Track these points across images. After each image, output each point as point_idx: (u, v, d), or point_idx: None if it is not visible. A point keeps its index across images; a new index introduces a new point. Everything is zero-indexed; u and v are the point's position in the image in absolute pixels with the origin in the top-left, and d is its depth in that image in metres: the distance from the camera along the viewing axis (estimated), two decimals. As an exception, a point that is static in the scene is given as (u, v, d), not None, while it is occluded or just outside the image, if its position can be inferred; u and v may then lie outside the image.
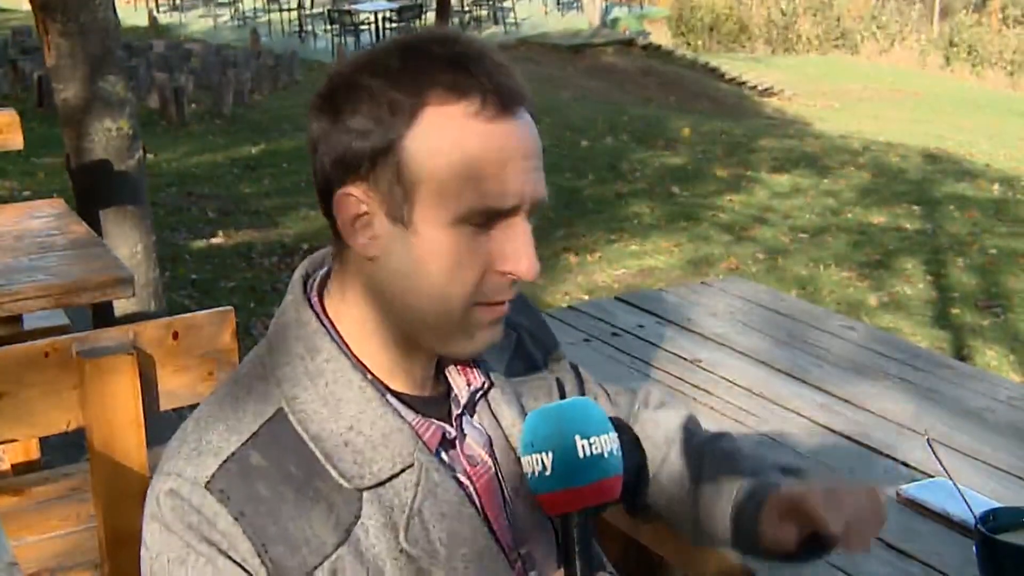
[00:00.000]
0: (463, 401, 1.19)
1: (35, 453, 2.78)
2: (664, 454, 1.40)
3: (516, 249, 1.07)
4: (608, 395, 1.46)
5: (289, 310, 1.16)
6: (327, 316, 1.15)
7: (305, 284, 1.18)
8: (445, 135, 1.05)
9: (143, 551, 1.10)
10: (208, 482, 1.05)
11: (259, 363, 1.14)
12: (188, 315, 1.94)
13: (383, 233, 1.08)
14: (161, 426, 2.01)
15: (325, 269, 1.20)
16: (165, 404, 1.92)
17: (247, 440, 1.07)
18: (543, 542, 1.19)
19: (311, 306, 1.15)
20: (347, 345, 1.13)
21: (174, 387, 1.91)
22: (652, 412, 1.45)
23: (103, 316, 4.14)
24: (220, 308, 1.97)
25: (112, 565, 1.88)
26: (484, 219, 1.06)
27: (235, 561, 1.04)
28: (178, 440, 1.10)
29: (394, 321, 1.11)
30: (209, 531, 1.04)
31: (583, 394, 1.40)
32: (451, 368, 1.21)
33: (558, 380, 1.32)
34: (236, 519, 1.04)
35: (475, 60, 1.07)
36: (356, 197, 1.08)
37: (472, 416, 1.21)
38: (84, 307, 3.96)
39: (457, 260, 1.07)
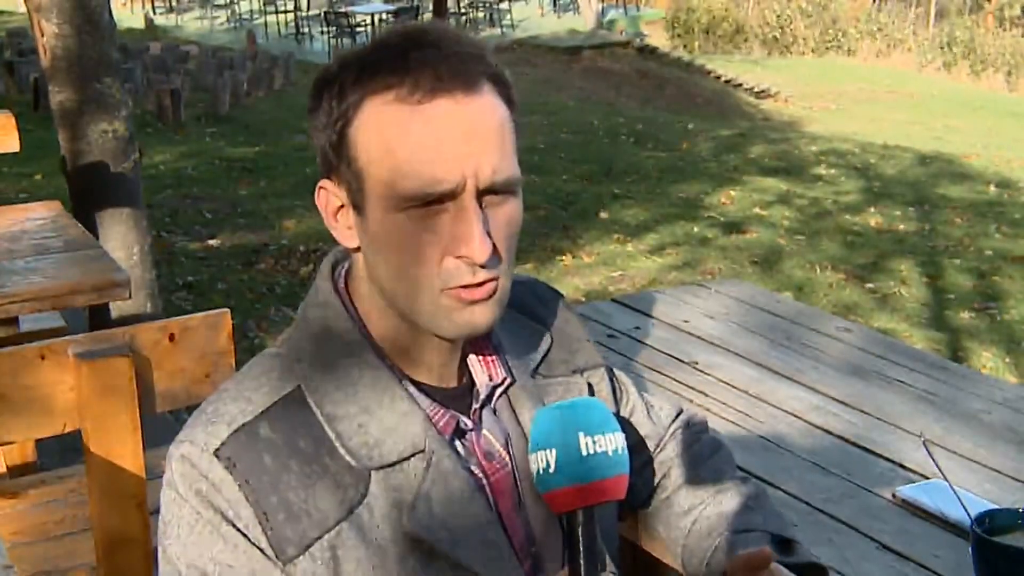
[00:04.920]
0: (483, 395, 1.20)
1: (31, 455, 2.77)
2: (675, 483, 1.41)
3: (463, 232, 1.07)
4: (649, 409, 1.45)
5: (314, 293, 1.20)
6: (352, 303, 1.18)
7: (334, 270, 1.21)
8: (380, 121, 1.08)
9: (160, 517, 1.13)
10: (217, 449, 1.08)
11: (284, 343, 1.18)
12: (184, 317, 1.94)
13: (354, 224, 1.13)
14: (157, 428, 2.01)
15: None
16: (161, 406, 1.91)
17: (260, 413, 1.10)
18: (555, 543, 1.19)
19: (336, 291, 1.18)
20: (367, 331, 1.16)
21: (170, 389, 1.91)
22: (683, 435, 1.44)
23: (99, 318, 4.13)
24: (216, 310, 1.97)
25: (108, 568, 1.87)
26: (425, 202, 1.07)
27: (238, 528, 1.07)
28: (200, 409, 1.14)
29: (390, 306, 1.14)
30: (215, 497, 1.07)
31: (619, 403, 1.41)
32: (474, 362, 1.22)
33: (589, 385, 1.32)
34: (240, 487, 1.06)
35: (416, 45, 1.08)
36: (329, 190, 1.14)
37: (494, 412, 1.22)
38: (80, 309, 3.96)
39: (409, 245, 1.08)
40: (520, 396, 1.23)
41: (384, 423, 1.11)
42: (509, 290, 1.14)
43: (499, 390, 1.22)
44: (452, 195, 1.07)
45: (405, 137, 1.06)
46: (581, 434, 1.04)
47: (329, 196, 1.14)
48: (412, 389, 1.15)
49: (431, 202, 1.07)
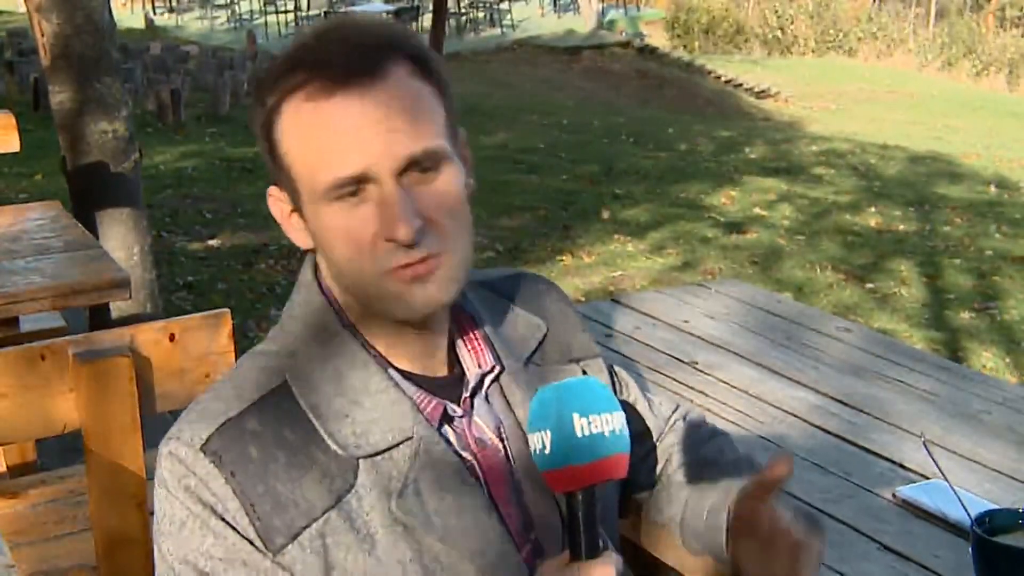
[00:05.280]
0: (472, 383, 1.21)
1: (31, 456, 2.78)
2: (675, 469, 1.41)
3: (386, 214, 1.09)
4: (650, 403, 1.47)
5: (298, 290, 1.22)
6: (335, 298, 1.20)
7: (316, 267, 1.23)
8: (295, 121, 1.11)
9: (154, 515, 1.14)
10: (203, 444, 1.09)
11: (271, 339, 1.20)
12: (184, 317, 1.94)
13: (301, 224, 1.17)
14: (158, 428, 2.00)
15: None
16: (162, 406, 1.91)
17: (247, 408, 1.12)
18: (556, 528, 1.20)
19: (320, 287, 1.20)
20: (352, 324, 1.18)
21: (170, 389, 1.91)
22: (683, 425, 1.46)
23: (100, 318, 4.13)
24: (216, 310, 1.97)
25: (109, 568, 1.87)
26: (347, 192, 1.09)
27: (227, 521, 1.08)
28: (188, 408, 1.15)
29: (355, 298, 1.17)
30: (203, 492, 1.08)
31: (618, 396, 1.42)
32: (463, 350, 1.23)
33: (585, 374, 1.32)
34: (227, 480, 1.08)
35: (322, 40, 1.12)
36: (275, 196, 1.18)
37: (487, 399, 1.22)
38: (81, 309, 3.96)
39: (344, 236, 1.11)
40: (512, 384, 1.23)
41: (371, 412, 1.12)
42: (464, 264, 1.15)
43: (490, 378, 1.23)
44: (369, 180, 1.09)
45: (315, 133, 1.09)
46: (576, 415, 1.03)
47: (277, 201, 1.18)
48: (398, 378, 1.16)
49: (352, 191, 1.09)
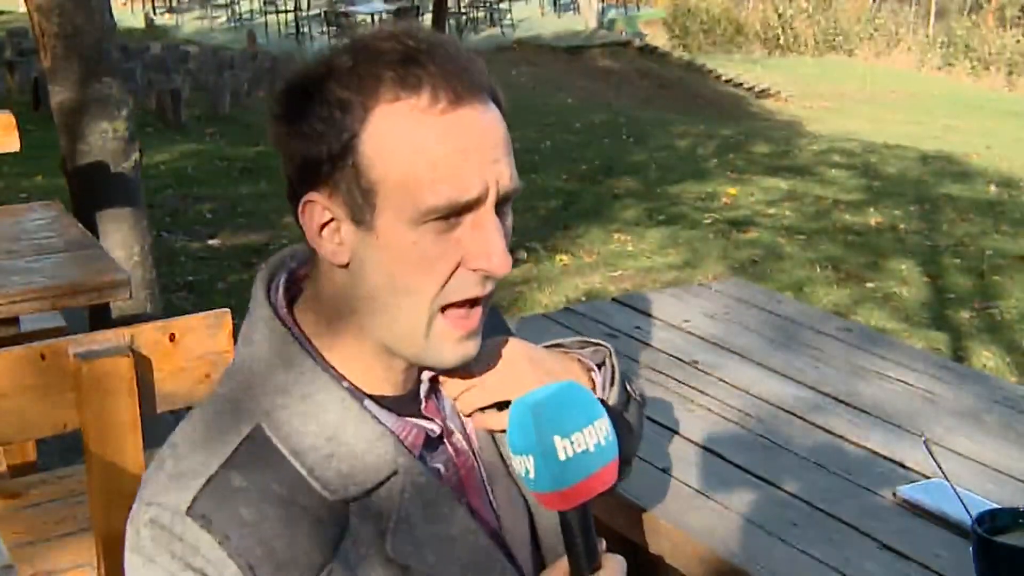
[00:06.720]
0: (425, 387, 1.17)
1: (32, 455, 2.78)
2: None
3: (484, 244, 1.05)
4: None
5: (258, 324, 1.12)
6: (297, 325, 1.12)
7: (268, 293, 1.14)
8: (398, 132, 1.03)
9: None
10: (188, 508, 1.02)
11: (232, 381, 1.11)
12: (185, 317, 1.94)
13: (349, 239, 1.06)
14: (158, 428, 2.01)
15: (286, 273, 1.17)
16: (162, 406, 1.92)
17: (226, 461, 1.04)
18: (521, 522, 1.20)
19: (279, 317, 1.12)
20: (320, 354, 1.11)
21: (171, 389, 1.91)
22: None
23: (100, 318, 4.13)
24: (217, 310, 1.97)
25: (108, 568, 1.88)
26: (447, 214, 1.03)
27: None
28: (156, 466, 1.08)
29: (369, 329, 1.09)
30: (193, 558, 1.01)
31: None
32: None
33: None
34: (220, 543, 1.00)
35: (425, 53, 1.04)
36: (320, 204, 1.07)
37: (451, 405, 1.20)
38: (81, 309, 3.96)
39: (425, 259, 1.04)
40: None
41: (354, 451, 1.06)
42: None
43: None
44: (474, 206, 1.05)
45: (431, 148, 1.02)
46: (557, 438, 0.99)
47: (323, 210, 1.07)
48: (375, 409, 1.11)
49: (453, 214, 1.04)
